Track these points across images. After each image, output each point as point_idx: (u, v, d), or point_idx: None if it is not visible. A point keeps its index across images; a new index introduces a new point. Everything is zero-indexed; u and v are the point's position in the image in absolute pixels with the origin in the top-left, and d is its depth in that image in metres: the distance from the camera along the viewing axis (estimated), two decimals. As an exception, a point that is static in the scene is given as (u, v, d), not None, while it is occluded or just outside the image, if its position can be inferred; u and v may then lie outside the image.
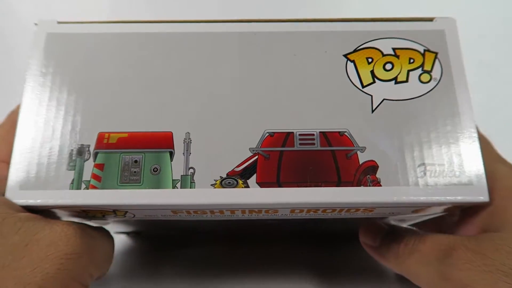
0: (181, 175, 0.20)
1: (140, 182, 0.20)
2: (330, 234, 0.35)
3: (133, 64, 0.22)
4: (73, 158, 0.21)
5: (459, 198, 0.20)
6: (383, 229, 0.25)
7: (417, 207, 0.21)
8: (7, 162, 0.22)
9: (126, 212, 0.22)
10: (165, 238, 0.37)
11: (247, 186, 0.20)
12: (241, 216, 0.23)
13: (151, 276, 0.35)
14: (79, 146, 0.21)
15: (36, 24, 0.23)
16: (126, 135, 0.21)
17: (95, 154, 0.21)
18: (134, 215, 0.23)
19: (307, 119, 0.22)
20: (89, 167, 0.21)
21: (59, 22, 0.23)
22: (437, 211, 0.23)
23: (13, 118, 0.23)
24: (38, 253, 0.19)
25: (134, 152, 0.21)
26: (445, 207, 0.22)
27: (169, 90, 0.22)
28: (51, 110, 0.21)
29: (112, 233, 0.24)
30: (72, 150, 0.21)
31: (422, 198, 0.20)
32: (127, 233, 0.34)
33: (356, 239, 0.27)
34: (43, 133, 0.21)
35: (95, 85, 0.22)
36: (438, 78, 0.22)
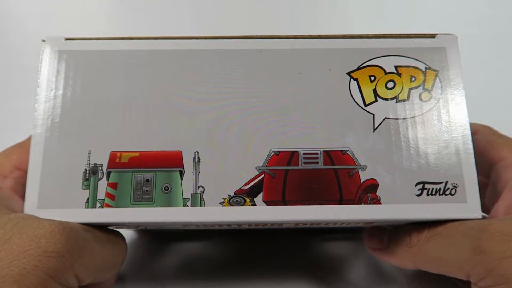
0: (191, 194, 0.21)
1: (152, 201, 0.21)
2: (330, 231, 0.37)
3: (141, 82, 0.23)
4: (87, 177, 0.22)
5: (454, 215, 0.21)
6: (387, 230, 0.26)
7: (415, 222, 0.22)
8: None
9: (139, 225, 0.23)
10: (167, 232, 0.38)
11: (254, 204, 0.21)
12: (247, 228, 0.24)
13: (154, 269, 0.37)
14: (93, 165, 0.22)
15: (43, 40, 0.24)
16: (137, 154, 0.22)
17: (108, 174, 0.22)
18: (146, 227, 0.24)
19: (311, 138, 0.22)
20: (102, 186, 0.22)
21: (66, 39, 0.24)
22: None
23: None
24: (19, 247, 0.19)
25: (145, 171, 0.22)
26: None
27: (176, 109, 0.23)
28: (63, 130, 0.22)
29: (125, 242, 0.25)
30: (86, 169, 0.22)
31: (419, 215, 0.21)
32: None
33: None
34: (57, 153, 0.22)
35: (105, 104, 0.23)
36: (438, 97, 0.23)
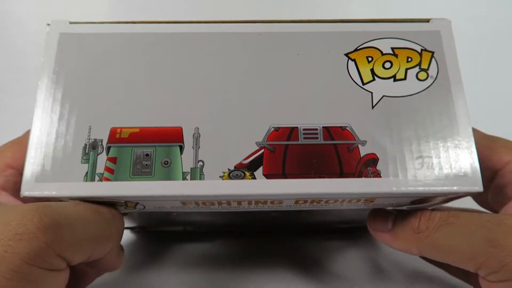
0: (191, 168, 0.21)
1: (151, 174, 0.21)
2: (326, 227, 0.36)
3: (144, 63, 0.23)
4: (87, 152, 0.22)
5: (455, 188, 0.21)
6: (392, 213, 0.25)
7: (415, 197, 0.22)
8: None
9: (137, 203, 0.23)
10: (168, 234, 0.38)
11: (254, 178, 0.21)
12: (247, 208, 0.24)
13: (154, 270, 0.36)
14: (93, 140, 0.22)
15: (48, 24, 0.24)
16: (137, 130, 0.22)
17: (108, 148, 0.22)
18: (144, 207, 0.23)
19: (310, 115, 0.23)
20: (102, 160, 0.21)
21: (71, 23, 0.24)
22: (434, 202, 0.24)
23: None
24: None
25: (145, 146, 0.22)
26: (442, 198, 0.23)
27: (178, 88, 0.23)
28: (65, 107, 0.22)
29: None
30: (85, 144, 0.22)
31: (420, 189, 0.21)
32: (132, 228, 0.35)
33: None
34: (57, 128, 0.22)
35: (107, 83, 0.23)
36: (435, 76, 0.23)
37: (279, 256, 0.37)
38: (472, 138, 0.22)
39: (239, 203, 0.23)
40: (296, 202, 0.23)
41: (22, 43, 0.49)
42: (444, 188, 0.21)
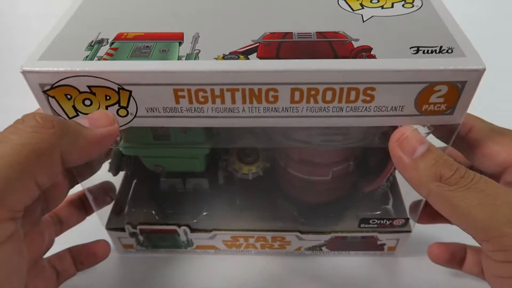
0: (187, 53, 0.22)
1: (149, 56, 0.22)
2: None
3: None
4: (92, 44, 0.23)
5: (455, 65, 0.20)
6: (424, 142, 0.22)
7: (417, 81, 0.21)
8: None
9: (130, 97, 0.22)
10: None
11: (248, 59, 0.21)
12: (241, 113, 0.23)
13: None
14: (100, 38, 0.23)
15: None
16: (142, 34, 0.24)
17: (112, 43, 0.23)
18: (137, 109, 0.23)
19: (304, 25, 0.24)
20: (104, 49, 0.22)
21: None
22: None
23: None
24: None
25: (146, 42, 0.23)
26: (443, 91, 0.21)
27: (182, 2, 0.26)
28: (79, 16, 0.25)
29: None
30: (92, 41, 0.23)
31: (420, 67, 0.20)
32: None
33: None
34: (71, 31, 0.24)
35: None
36: (420, 5, 0.25)
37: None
38: (464, 33, 0.22)
39: (233, 99, 0.22)
40: (292, 98, 0.22)
41: (22, 43, 0.48)
42: (443, 65, 0.20)
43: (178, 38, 0.23)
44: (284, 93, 0.22)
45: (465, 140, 0.26)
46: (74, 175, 0.29)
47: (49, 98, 0.22)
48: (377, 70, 0.21)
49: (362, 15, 0.25)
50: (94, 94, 0.22)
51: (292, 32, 0.23)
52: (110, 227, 0.34)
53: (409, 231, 0.32)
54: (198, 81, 0.21)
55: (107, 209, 0.34)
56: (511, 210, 0.21)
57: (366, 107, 0.22)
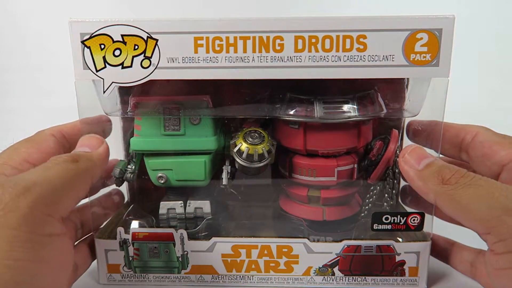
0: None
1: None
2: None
3: None
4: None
5: (427, 15, 0.25)
6: (428, 156, 0.26)
7: (400, 31, 0.25)
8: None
9: (155, 47, 0.25)
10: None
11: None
12: (251, 62, 0.25)
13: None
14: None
15: None
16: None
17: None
18: (159, 59, 0.26)
19: None
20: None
21: None
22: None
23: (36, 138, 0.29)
24: None
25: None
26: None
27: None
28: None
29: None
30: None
31: (401, 15, 0.25)
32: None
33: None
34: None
35: None
36: None
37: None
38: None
39: (245, 47, 0.25)
40: (296, 45, 0.25)
41: (23, 43, 0.46)
42: (423, 15, 0.25)
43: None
44: (289, 40, 0.25)
45: (470, 145, 0.29)
46: None
47: (85, 49, 0.26)
48: (365, 17, 0.25)
49: None
50: (125, 43, 0.26)
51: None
52: (100, 233, 0.31)
53: (428, 240, 0.29)
54: (216, 28, 0.25)
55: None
56: (508, 200, 0.22)
57: (360, 56, 0.25)
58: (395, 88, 0.31)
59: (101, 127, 0.31)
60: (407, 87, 0.31)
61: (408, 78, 0.30)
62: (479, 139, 0.28)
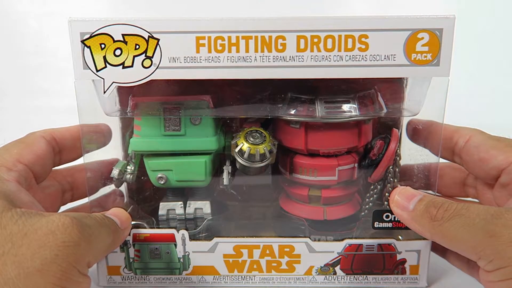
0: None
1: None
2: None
3: None
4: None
5: (428, 15, 0.25)
6: (416, 195, 0.27)
7: (402, 30, 0.25)
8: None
9: (156, 46, 0.25)
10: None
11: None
12: (253, 62, 0.25)
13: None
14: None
15: None
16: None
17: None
18: (161, 59, 0.25)
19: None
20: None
21: None
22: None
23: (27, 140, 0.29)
24: (37, 241, 0.21)
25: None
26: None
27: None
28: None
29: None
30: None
31: (402, 15, 0.25)
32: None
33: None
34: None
35: None
36: None
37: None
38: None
39: (247, 47, 0.25)
40: (298, 45, 0.25)
41: (22, 43, 0.47)
42: (424, 15, 0.25)
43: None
44: (291, 40, 0.25)
45: (464, 149, 0.29)
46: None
47: (85, 48, 0.26)
48: (367, 17, 0.25)
49: None
50: (125, 43, 0.26)
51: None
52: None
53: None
54: (218, 28, 0.25)
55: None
56: (486, 222, 0.23)
57: (362, 55, 0.26)
58: (393, 88, 0.31)
59: (102, 136, 0.32)
60: (406, 87, 0.31)
61: (407, 78, 0.31)
62: (474, 143, 0.28)
